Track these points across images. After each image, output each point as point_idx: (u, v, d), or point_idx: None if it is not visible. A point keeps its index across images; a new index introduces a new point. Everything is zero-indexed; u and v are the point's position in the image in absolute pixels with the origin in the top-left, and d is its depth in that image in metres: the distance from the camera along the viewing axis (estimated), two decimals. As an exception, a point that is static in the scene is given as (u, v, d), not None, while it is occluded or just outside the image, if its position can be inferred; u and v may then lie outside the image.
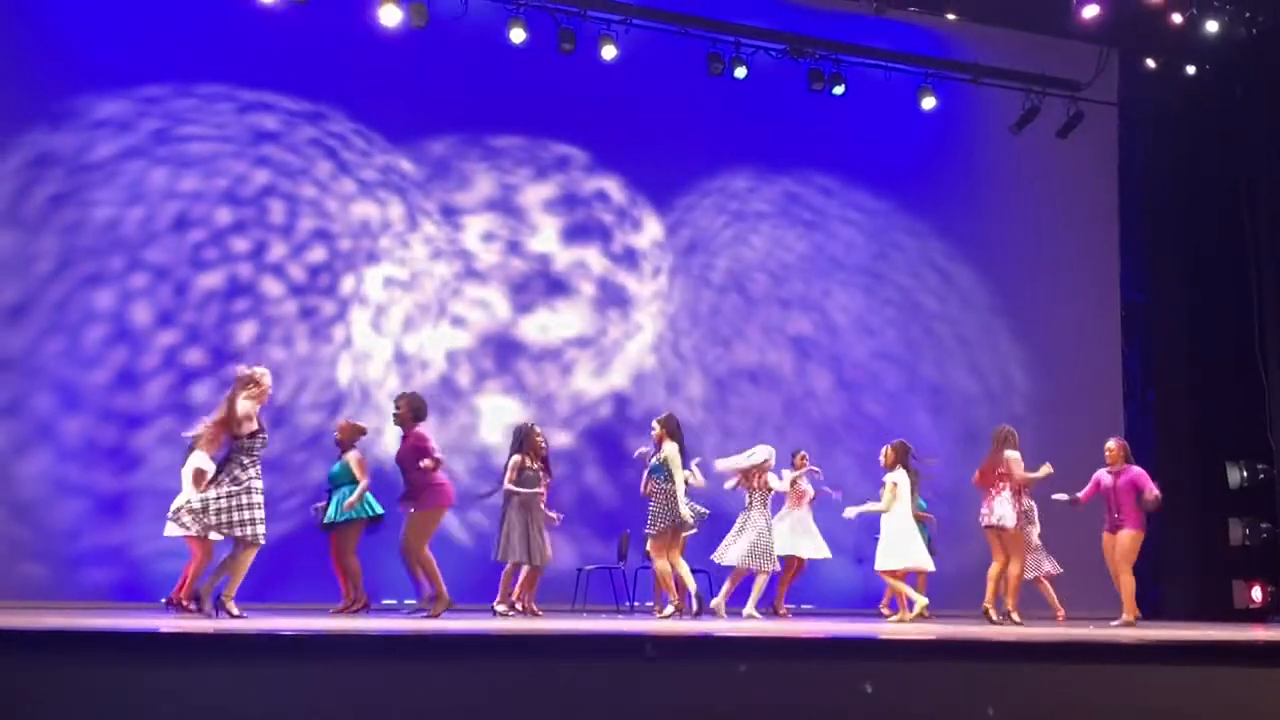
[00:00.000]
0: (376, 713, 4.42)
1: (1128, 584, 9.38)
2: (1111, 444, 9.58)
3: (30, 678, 4.25)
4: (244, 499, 7.12)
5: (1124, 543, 9.31)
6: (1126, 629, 8.67)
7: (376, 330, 11.26)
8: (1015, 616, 9.14)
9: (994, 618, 9.01)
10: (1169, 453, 12.92)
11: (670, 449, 9.16)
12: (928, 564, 9.64)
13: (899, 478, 9.47)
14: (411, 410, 8.30)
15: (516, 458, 9.13)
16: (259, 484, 7.20)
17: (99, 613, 8.04)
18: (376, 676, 4.49)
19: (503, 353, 11.64)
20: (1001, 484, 9.11)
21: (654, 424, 9.41)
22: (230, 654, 4.58)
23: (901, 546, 9.43)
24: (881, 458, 9.72)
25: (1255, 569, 12.47)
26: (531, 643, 5.22)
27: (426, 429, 8.37)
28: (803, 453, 10.59)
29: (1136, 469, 9.48)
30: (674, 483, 9.08)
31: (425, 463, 8.03)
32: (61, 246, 10.29)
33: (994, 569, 9.17)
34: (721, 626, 7.63)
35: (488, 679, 4.57)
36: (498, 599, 8.98)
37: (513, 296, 11.74)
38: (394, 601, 10.28)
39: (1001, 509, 9.05)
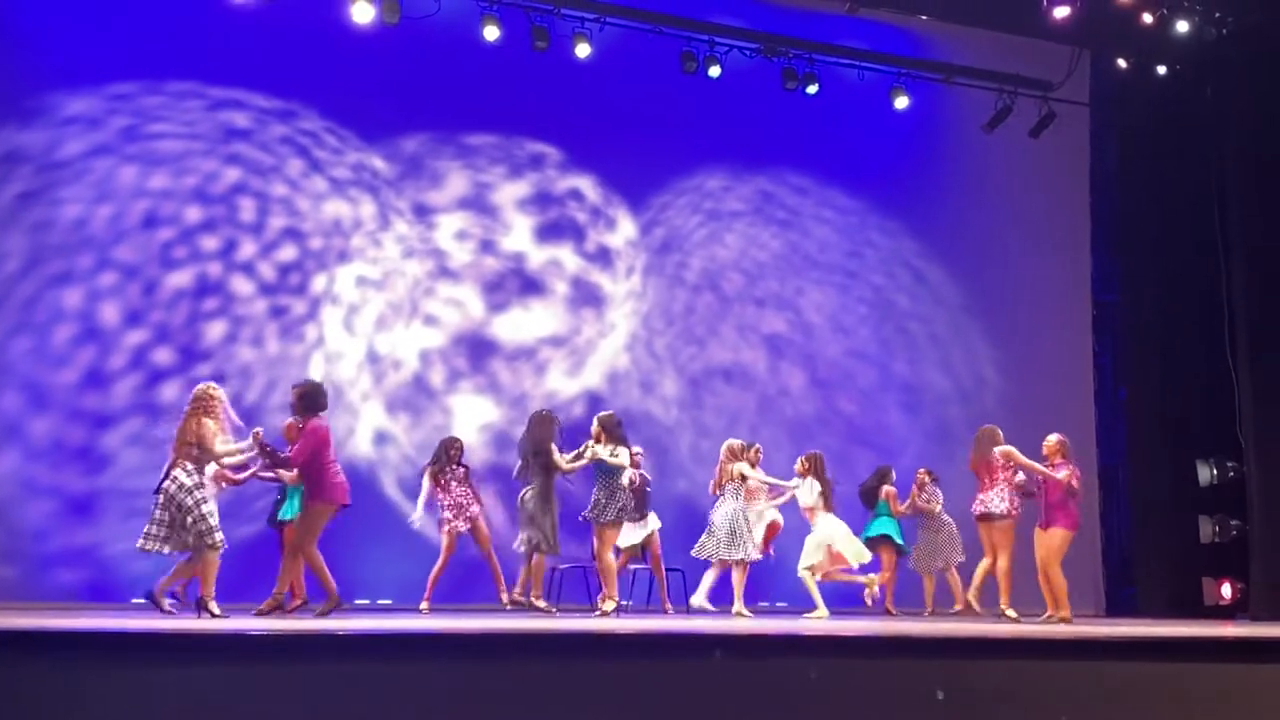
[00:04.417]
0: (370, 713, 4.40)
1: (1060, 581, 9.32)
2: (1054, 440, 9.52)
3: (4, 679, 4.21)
4: (210, 509, 7.46)
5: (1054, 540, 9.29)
6: (1064, 625, 8.69)
7: (348, 330, 11.20)
8: (976, 607, 9.27)
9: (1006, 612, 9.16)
10: (1140, 450, 13.02)
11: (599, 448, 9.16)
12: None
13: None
14: (301, 399, 8.16)
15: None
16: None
17: (69, 613, 7.96)
18: (368, 676, 4.46)
19: (476, 352, 11.59)
20: (995, 477, 9.32)
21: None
22: (211, 653, 4.56)
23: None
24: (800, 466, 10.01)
25: (1225, 566, 12.55)
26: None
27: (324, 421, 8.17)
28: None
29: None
30: (614, 475, 9.11)
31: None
32: (29, 245, 10.17)
33: (983, 563, 9.31)
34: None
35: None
36: (534, 592, 8.98)
37: (486, 295, 11.70)
38: (366, 601, 10.27)
39: (993, 499, 9.25)
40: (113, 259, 10.44)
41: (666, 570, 10.18)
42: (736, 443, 9.96)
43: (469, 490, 9.61)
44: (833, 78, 12.60)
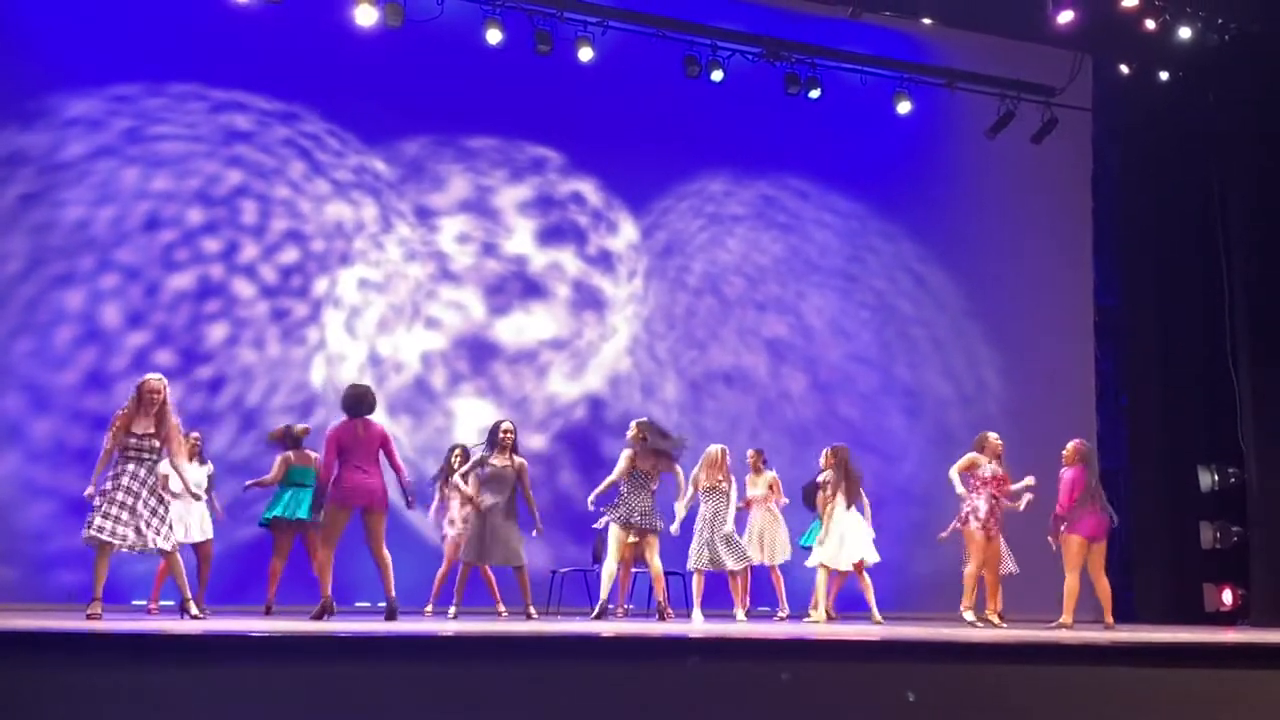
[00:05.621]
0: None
1: (1072, 587, 9.33)
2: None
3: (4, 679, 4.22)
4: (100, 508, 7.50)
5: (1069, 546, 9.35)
6: (1063, 630, 8.68)
7: (350, 332, 11.21)
8: (994, 619, 9.20)
9: (968, 619, 9.10)
10: (1141, 456, 13.00)
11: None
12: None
13: None
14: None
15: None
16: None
17: (69, 615, 7.95)
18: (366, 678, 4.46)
19: (477, 355, 11.60)
20: (979, 486, 9.31)
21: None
22: (210, 655, 4.56)
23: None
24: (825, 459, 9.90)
25: (1226, 572, 12.53)
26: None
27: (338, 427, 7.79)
28: None
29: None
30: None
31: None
32: (31, 246, 10.20)
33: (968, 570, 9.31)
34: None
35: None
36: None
37: (487, 298, 11.71)
38: (367, 603, 10.26)
39: (966, 507, 9.31)
40: (114, 261, 10.46)
41: (665, 575, 10.15)
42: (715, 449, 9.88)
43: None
44: (835, 82, 12.61)
